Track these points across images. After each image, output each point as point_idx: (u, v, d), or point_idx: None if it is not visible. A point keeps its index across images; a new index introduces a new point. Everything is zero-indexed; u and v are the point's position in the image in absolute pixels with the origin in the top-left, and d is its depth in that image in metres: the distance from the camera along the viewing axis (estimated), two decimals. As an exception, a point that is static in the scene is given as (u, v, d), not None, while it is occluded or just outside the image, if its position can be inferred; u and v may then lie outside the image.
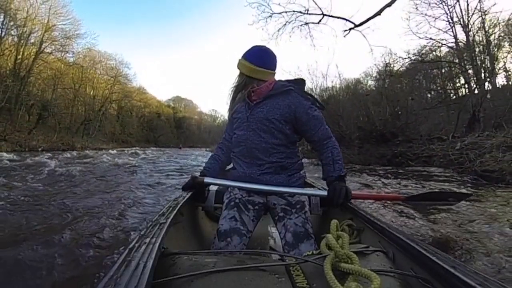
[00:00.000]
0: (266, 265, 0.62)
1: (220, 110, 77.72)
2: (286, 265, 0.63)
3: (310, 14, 8.35)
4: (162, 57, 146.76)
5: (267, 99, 1.25)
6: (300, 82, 1.35)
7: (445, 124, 11.43)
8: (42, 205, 3.13)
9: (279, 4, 9.66)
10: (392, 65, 13.50)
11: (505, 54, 13.39)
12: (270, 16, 8.93)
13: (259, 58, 1.26)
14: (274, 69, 1.30)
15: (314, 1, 8.10)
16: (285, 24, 9.01)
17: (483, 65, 10.96)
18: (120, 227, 2.47)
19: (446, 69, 12.57)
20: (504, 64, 13.44)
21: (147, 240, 0.66)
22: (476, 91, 10.24)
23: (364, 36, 8.21)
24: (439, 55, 12.72)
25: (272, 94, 1.25)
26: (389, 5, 7.62)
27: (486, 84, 11.02)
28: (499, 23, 11.40)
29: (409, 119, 9.66)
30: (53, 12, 22.94)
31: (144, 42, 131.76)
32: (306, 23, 8.72)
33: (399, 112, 10.04)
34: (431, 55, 12.61)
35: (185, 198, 1.21)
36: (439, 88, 12.29)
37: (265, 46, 1.33)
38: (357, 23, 8.16)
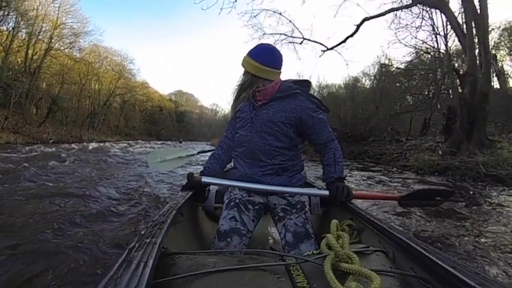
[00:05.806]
0: (266, 265, 0.62)
1: (221, 104, 78.55)
2: (286, 265, 0.63)
3: (293, 37, 10.61)
4: (164, 51, 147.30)
5: (273, 100, 1.23)
6: (306, 84, 1.32)
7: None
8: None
9: (270, 25, 11.28)
10: (386, 67, 14.65)
11: (503, 58, 14.52)
12: (263, 35, 10.86)
13: (266, 57, 1.23)
14: (280, 69, 1.28)
15: (297, 28, 10.47)
16: (274, 42, 10.99)
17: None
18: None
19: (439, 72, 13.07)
20: (502, 67, 14.53)
21: (147, 240, 0.66)
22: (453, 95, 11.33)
23: (340, 54, 10.38)
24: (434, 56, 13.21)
25: (279, 96, 1.23)
26: (351, 35, 9.65)
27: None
28: (493, 28, 12.37)
29: (376, 123, 11.19)
30: (62, 10, 24.14)
31: (144, 35, 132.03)
32: (292, 42, 10.79)
33: (366, 117, 11.50)
34: (428, 56, 13.38)
35: (185, 198, 1.19)
36: (409, 94, 13.56)
37: (271, 45, 1.31)
38: (329, 46, 10.32)
